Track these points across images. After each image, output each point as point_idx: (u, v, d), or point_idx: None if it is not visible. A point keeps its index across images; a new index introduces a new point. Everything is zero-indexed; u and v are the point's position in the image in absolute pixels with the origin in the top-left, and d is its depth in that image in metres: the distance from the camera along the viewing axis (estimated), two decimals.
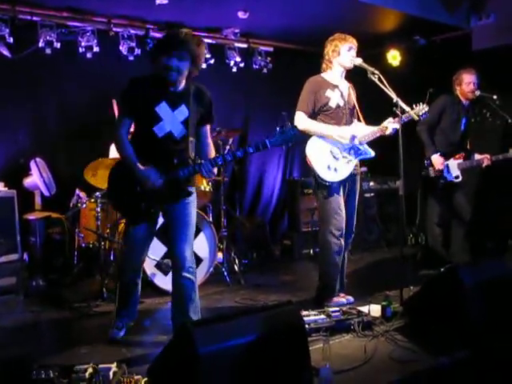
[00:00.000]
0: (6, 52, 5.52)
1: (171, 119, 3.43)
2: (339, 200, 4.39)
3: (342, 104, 4.44)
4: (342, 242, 4.42)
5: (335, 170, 4.35)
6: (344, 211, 4.41)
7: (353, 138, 4.37)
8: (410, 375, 3.14)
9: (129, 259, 3.86)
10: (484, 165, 5.59)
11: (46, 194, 5.52)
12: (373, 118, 4.55)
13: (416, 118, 4.36)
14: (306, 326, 3.56)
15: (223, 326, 2.70)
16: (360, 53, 4.44)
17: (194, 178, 3.70)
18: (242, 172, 7.51)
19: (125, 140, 3.47)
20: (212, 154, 3.65)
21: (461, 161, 5.60)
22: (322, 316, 3.85)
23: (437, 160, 5.54)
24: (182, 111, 3.47)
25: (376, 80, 4.25)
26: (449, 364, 3.27)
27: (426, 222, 5.87)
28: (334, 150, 4.39)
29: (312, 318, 3.81)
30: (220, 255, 5.66)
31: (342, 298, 4.47)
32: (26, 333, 4.19)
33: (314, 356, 2.95)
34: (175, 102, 3.45)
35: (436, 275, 4.30)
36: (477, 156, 5.64)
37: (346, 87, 4.52)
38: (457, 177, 5.58)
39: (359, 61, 4.36)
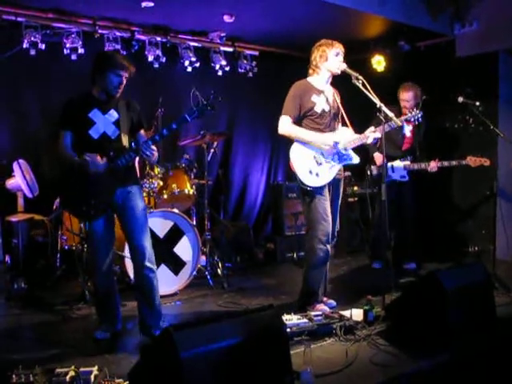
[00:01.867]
0: None
1: (103, 121, 3.85)
2: (325, 205, 4.38)
3: (327, 109, 4.44)
4: (329, 248, 4.42)
5: (317, 174, 4.34)
6: (330, 216, 4.41)
7: (335, 144, 4.37)
8: (391, 379, 3.17)
9: (95, 261, 3.92)
10: (430, 168, 5.71)
11: (29, 195, 5.48)
12: (356, 124, 4.57)
13: (399, 123, 4.39)
14: (288, 329, 3.60)
15: (205, 329, 2.70)
16: (345, 58, 4.45)
17: (137, 174, 4.16)
18: (226, 176, 7.50)
19: (68, 149, 3.84)
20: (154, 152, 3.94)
21: (407, 163, 5.85)
22: (305, 320, 3.86)
23: (377, 157, 5.87)
24: (112, 114, 3.89)
25: (360, 85, 4.26)
26: (429, 367, 3.31)
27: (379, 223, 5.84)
28: (316, 156, 4.38)
29: (294, 321, 3.82)
30: (203, 259, 5.65)
31: (325, 306, 4.44)
32: (7, 336, 4.16)
33: (295, 360, 2.97)
34: (105, 108, 3.88)
35: (417, 279, 4.34)
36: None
37: (330, 93, 4.53)
38: (403, 176, 5.85)
39: (343, 66, 4.37)
